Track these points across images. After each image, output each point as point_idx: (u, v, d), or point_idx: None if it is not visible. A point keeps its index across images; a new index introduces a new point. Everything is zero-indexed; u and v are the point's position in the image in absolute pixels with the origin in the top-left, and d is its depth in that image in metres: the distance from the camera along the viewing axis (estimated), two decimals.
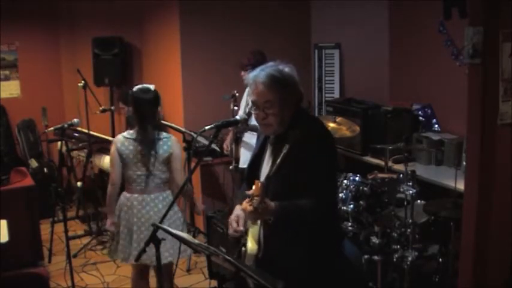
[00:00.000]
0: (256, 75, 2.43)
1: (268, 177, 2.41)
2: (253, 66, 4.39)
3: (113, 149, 3.47)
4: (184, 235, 2.53)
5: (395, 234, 3.75)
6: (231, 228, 2.49)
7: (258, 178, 2.49)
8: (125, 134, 3.50)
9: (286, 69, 2.44)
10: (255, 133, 4.37)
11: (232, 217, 2.50)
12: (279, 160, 2.35)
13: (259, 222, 2.48)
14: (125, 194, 3.50)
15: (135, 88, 3.58)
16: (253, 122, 4.39)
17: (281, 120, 2.40)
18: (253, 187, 2.24)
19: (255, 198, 2.20)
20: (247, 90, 4.61)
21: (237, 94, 4.57)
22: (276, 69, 2.42)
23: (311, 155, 2.33)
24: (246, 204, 2.30)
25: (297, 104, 2.45)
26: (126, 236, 3.45)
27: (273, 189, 2.37)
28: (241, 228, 2.46)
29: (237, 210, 2.52)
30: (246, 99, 4.57)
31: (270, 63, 2.48)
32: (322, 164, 2.35)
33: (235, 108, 4.49)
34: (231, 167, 4.75)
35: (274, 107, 2.37)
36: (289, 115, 2.41)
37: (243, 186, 2.75)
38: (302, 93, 2.47)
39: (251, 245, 2.46)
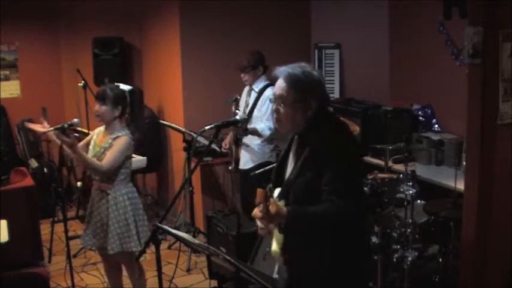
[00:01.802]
0: (283, 70, 2.41)
1: (288, 180, 2.40)
2: (253, 68, 4.42)
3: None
4: (185, 235, 2.54)
5: (395, 234, 3.75)
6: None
7: (283, 178, 2.49)
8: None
9: (314, 73, 2.41)
10: (255, 136, 4.40)
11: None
12: (299, 163, 2.34)
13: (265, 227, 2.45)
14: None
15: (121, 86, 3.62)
16: (253, 124, 4.40)
17: (292, 121, 2.39)
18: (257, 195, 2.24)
19: (260, 205, 2.21)
20: (245, 90, 4.62)
21: (239, 98, 4.57)
22: (302, 70, 2.39)
23: (331, 160, 2.28)
24: (255, 210, 2.30)
25: (317, 108, 2.38)
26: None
27: (294, 193, 2.36)
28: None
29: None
30: (245, 100, 4.57)
31: (301, 63, 2.44)
32: (341, 171, 2.28)
33: (237, 111, 4.49)
34: (230, 168, 4.75)
35: (285, 105, 2.37)
36: (303, 118, 2.38)
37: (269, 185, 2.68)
38: (325, 98, 2.43)
39: (274, 247, 2.46)
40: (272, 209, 2.20)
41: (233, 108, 4.49)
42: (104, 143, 3.52)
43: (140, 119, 5.63)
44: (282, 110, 2.38)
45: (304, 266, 2.40)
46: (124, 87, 3.72)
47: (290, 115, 2.37)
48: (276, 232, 2.44)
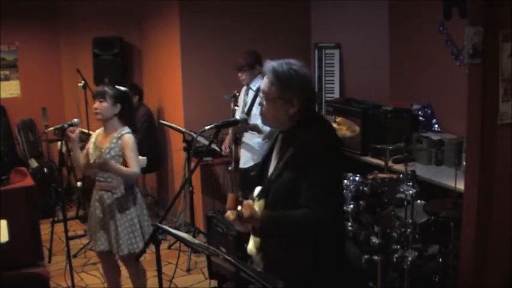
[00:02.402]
0: (271, 65, 2.37)
1: (269, 179, 2.38)
2: (250, 67, 4.43)
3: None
4: (185, 235, 2.53)
5: (395, 234, 3.74)
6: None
7: (265, 176, 2.46)
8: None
9: (301, 71, 2.34)
10: (256, 133, 4.40)
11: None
12: (281, 163, 2.31)
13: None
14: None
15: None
16: (252, 121, 4.41)
17: (274, 118, 2.36)
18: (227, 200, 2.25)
19: (229, 210, 2.24)
20: (243, 90, 4.62)
21: (237, 94, 4.58)
22: (288, 67, 2.33)
23: (312, 164, 2.23)
24: (229, 213, 2.31)
25: (300, 107, 2.32)
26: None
27: (274, 193, 2.34)
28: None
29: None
30: (243, 99, 4.58)
31: (289, 60, 2.37)
32: (321, 176, 2.23)
33: (236, 108, 4.50)
34: (230, 168, 4.75)
35: (267, 101, 2.36)
36: (285, 116, 2.33)
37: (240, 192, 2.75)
38: (310, 97, 2.39)
39: (251, 247, 2.47)
40: (246, 212, 2.22)
41: (232, 105, 4.50)
42: (109, 143, 3.50)
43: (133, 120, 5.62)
44: (264, 103, 2.37)
45: (280, 266, 2.38)
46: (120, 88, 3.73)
47: (271, 111, 2.35)
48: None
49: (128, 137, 3.51)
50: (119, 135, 3.50)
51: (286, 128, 2.38)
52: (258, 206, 2.34)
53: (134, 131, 3.70)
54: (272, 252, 2.41)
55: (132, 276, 3.81)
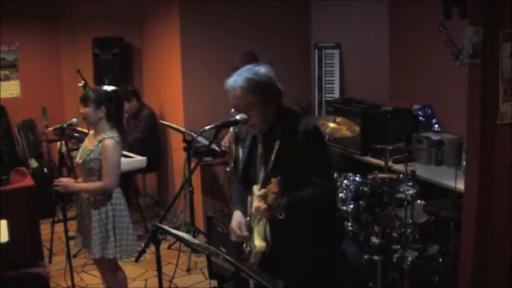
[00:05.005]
0: (235, 79, 2.52)
1: (267, 174, 2.46)
2: None
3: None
4: (185, 235, 2.53)
5: (395, 234, 3.75)
6: (234, 236, 2.61)
7: (254, 178, 2.64)
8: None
9: (262, 70, 2.53)
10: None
11: (234, 225, 2.61)
12: (273, 156, 2.43)
13: (264, 219, 2.51)
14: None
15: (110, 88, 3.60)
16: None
17: (265, 119, 2.52)
18: (269, 185, 2.29)
19: (271, 195, 2.26)
20: None
21: None
22: (252, 72, 2.51)
23: (303, 145, 2.45)
24: (259, 203, 2.34)
25: (278, 101, 2.56)
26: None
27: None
28: (245, 233, 2.57)
29: (237, 217, 2.63)
30: None
31: (246, 67, 2.57)
32: (319, 153, 2.50)
33: None
34: (228, 169, 4.75)
35: (256, 108, 2.48)
36: (271, 113, 2.53)
37: (235, 187, 2.85)
38: (281, 90, 2.57)
39: (258, 242, 2.52)
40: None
41: None
42: (91, 145, 3.46)
43: (121, 119, 5.61)
44: (254, 114, 2.49)
45: (291, 256, 2.52)
46: (107, 88, 3.72)
47: (263, 115, 2.51)
48: (257, 229, 2.55)
49: (107, 142, 3.40)
50: (101, 138, 3.43)
51: (269, 126, 2.54)
52: (272, 185, 2.36)
53: (122, 130, 3.65)
54: (281, 243, 2.52)
55: (107, 284, 3.67)
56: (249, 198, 2.69)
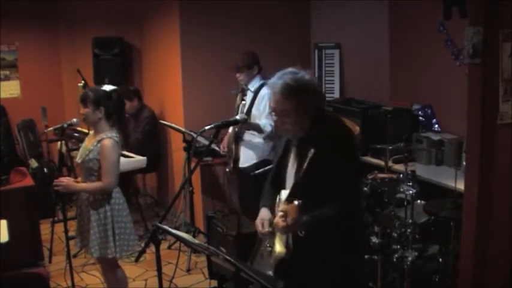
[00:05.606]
0: (274, 82, 2.46)
1: (297, 182, 2.44)
2: (248, 67, 4.43)
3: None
4: (185, 235, 2.54)
5: (395, 234, 3.75)
6: (258, 229, 2.59)
7: (284, 180, 2.57)
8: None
9: (306, 77, 2.46)
10: (256, 133, 4.40)
11: (258, 220, 2.59)
12: (305, 166, 2.36)
13: None
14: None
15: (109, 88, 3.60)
16: (252, 121, 4.41)
17: (300, 126, 2.46)
18: (288, 206, 2.31)
19: (290, 218, 2.28)
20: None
21: (245, 87, 4.55)
22: (293, 78, 2.44)
23: (336, 163, 2.36)
24: (278, 219, 2.35)
25: (318, 108, 2.48)
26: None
27: (303, 195, 2.38)
28: (267, 229, 2.54)
29: (262, 214, 2.60)
30: (241, 100, 4.59)
31: (289, 70, 2.49)
32: (346, 172, 2.40)
33: (243, 102, 4.49)
34: (227, 169, 4.75)
35: (291, 116, 2.43)
36: (308, 120, 2.46)
37: (267, 188, 2.76)
38: (322, 98, 2.54)
39: (279, 247, 2.50)
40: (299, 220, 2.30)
41: (238, 100, 4.52)
42: (91, 145, 3.46)
43: (123, 119, 5.60)
44: (287, 121, 2.44)
45: (316, 266, 2.49)
46: (107, 87, 3.71)
47: (298, 123, 2.44)
48: (279, 234, 2.50)
49: (105, 142, 3.39)
50: (100, 138, 3.42)
51: (305, 132, 2.47)
52: (291, 208, 2.36)
53: (124, 130, 3.65)
54: (303, 253, 2.48)
55: (108, 284, 3.70)
56: (277, 199, 2.62)
